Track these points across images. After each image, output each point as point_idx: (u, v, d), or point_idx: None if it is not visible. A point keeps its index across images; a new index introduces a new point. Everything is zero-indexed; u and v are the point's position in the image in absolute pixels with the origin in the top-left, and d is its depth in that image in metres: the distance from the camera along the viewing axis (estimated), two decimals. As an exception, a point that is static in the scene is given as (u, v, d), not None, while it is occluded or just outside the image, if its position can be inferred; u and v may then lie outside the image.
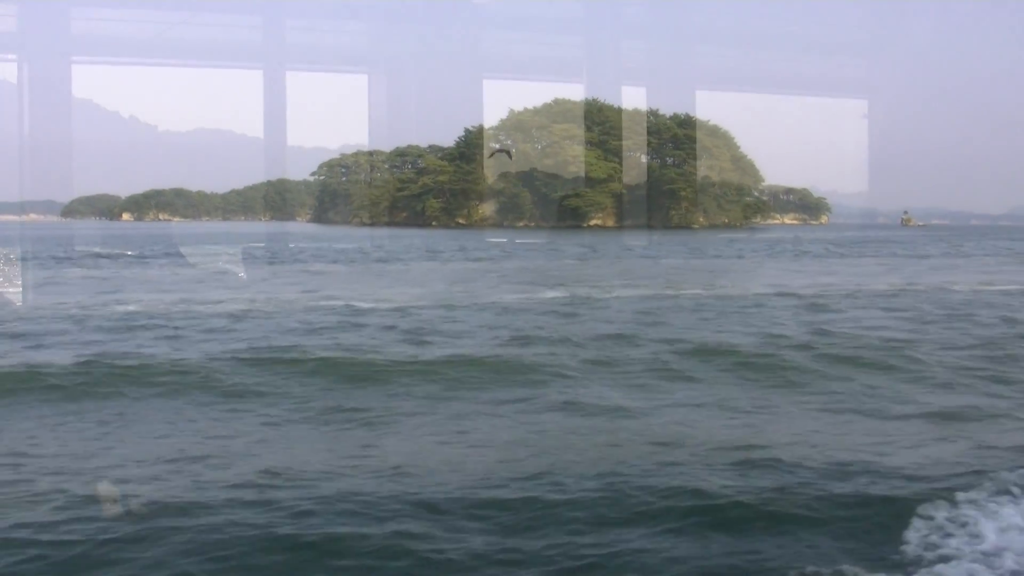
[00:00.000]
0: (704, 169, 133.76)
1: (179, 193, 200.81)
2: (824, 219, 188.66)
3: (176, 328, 20.65)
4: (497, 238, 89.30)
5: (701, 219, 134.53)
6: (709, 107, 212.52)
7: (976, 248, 73.97)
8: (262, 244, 73.09)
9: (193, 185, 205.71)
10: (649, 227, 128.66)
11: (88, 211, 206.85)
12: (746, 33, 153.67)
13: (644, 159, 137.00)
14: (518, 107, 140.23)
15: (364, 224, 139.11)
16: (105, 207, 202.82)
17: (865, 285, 33.93)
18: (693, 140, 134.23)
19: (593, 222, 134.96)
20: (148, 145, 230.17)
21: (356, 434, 11.71)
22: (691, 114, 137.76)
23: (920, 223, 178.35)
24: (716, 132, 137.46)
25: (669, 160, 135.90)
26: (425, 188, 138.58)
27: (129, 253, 57.36)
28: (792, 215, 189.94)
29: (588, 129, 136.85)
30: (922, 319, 23.09)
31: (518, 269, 45.37)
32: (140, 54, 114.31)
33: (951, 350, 17.95)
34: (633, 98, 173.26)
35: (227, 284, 34.85)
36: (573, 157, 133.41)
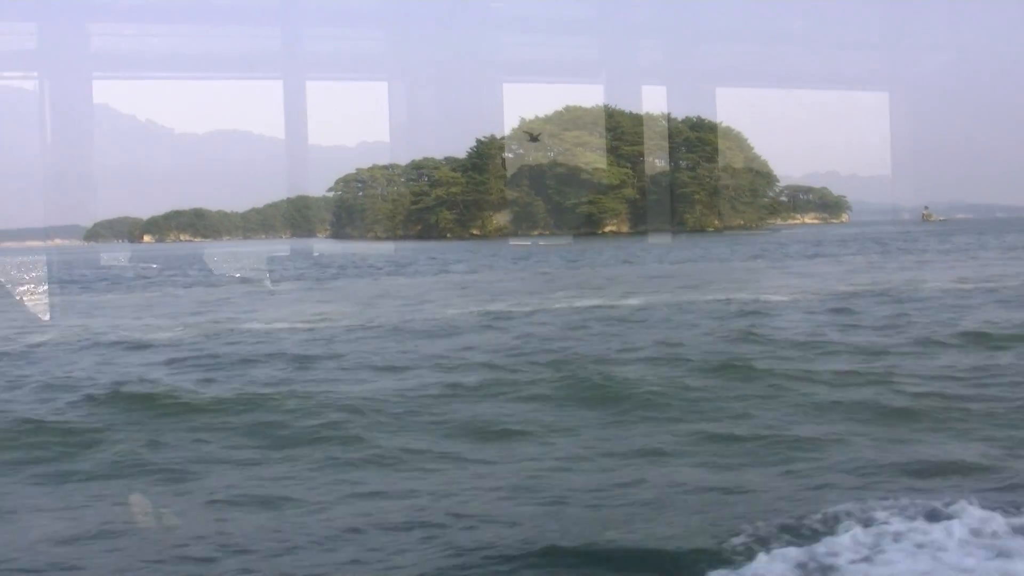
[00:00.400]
0: (717, 172, 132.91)
1: (199, 213, 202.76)
2: (844, 217, 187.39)
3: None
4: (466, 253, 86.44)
5: (716, 222, 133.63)
6: (727, 105, 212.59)
7: (972, 243, 72.49)
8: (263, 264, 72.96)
9: (213, 204, 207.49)
10: (663, 231, 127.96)
11: (110, 234, 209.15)
12: (763, 30, 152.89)
13: (657, 163, 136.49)
14: (529, 116, 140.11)
15: (379, 239, 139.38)
16: (126, 229, 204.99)
17: (825, 288, 32.95)
18: (706, 143, 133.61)
19: (608, 228, 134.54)
20: (166, 148, 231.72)
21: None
22: (704, 116, 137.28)
23: (941, 218, 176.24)
24: (729, 134, 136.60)
25: (682, 164, 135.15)
26: (438, 200, 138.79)
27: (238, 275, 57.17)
28: (812, 214, 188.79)
29: (600, 135, 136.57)
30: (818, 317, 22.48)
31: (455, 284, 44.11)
32: (160, 67, 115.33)
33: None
34: (652, 97, 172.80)
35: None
36: (586, 164, 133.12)
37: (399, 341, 21.30)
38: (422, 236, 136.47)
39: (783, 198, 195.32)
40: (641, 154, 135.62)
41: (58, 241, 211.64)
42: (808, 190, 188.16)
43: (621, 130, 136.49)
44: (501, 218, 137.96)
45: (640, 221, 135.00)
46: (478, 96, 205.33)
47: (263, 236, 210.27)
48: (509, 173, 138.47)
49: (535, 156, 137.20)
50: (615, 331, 21.99)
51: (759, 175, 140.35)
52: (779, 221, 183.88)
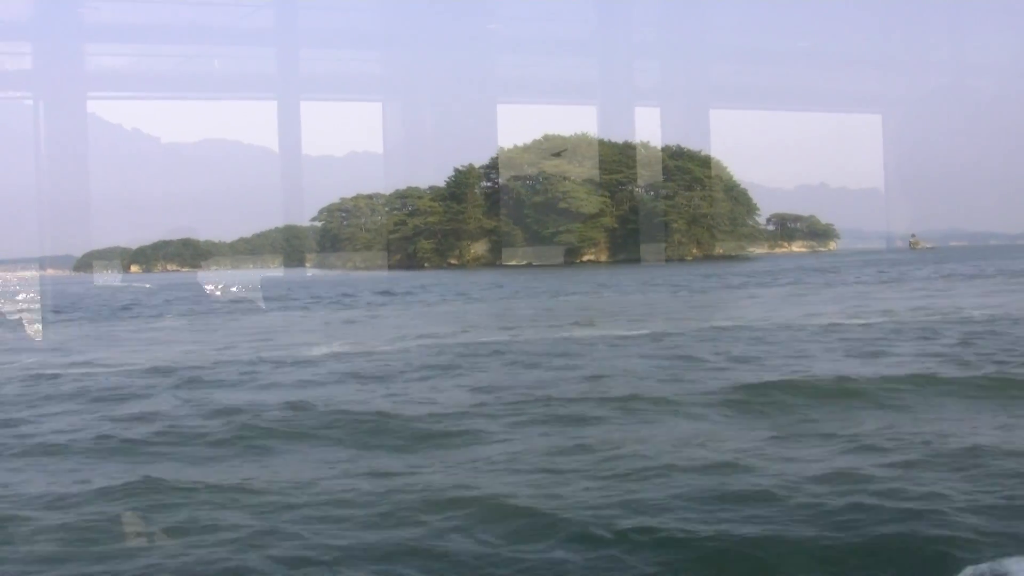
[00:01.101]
0: (696, 200, 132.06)
1: (186, 243, 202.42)
2: (832, 245, 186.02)
3: None
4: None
5: (695, 251, 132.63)
6: (716, 128, 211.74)
7: (931, 273, 71.15)
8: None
9: (201, 234, 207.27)
10: (640, 261, 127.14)
11: (100, 264, 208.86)
12: (755, 51, 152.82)
13: (637, 191, 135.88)
14: (508, 145, 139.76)
15: (357, 268, 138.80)
16: (116, 259, 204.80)
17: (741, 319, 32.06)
18: (685, 171, 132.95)
19: (587, 257, 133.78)
20: (153, 155, 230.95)
21: None
22: (688, 142, 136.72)
23: (929, 245, 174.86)
24: (708, 162, 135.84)
25: (661, 192, 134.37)
26: (416, 229, 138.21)
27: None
28: (800, 242, 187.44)
29: (579, 164, 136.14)
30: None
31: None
32: (156, 88, 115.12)
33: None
34: (637, 122, 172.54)
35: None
36: (563, 193, 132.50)
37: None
38: (401, 266, 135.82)
39: (771, 226, 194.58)
40: (620, 182, 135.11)
41: (51, 271, 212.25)
42: (796, 218, 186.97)
43: (599, 159, 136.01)
44: (479, 247, 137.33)
45: (619, 250, 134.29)
46: (469, 122, 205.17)
47: (250, 265, 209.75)
48: (487, 202, 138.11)
49: (513, 184, 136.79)
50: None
51: (739, 203, 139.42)
52: (763, 250, 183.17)
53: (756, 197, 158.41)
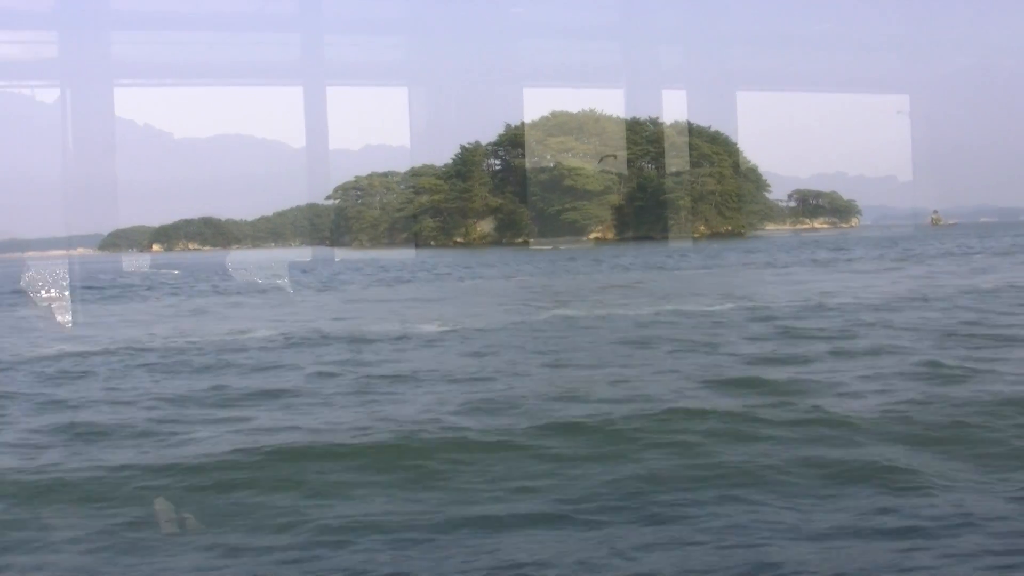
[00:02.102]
0: (703, 177, 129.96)
1: (208, 222, 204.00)
2: (855, 222, 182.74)
3: None
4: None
5: (702, 228, 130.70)
6: (735, 109, 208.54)
7: (935, 250, 69.06)
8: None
9: (222, 213, 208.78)
10: (647, 238, 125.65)
11: (124, 244, 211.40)
12: (783, 33, 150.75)
13: (645, 169, 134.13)
14: (515, 122, 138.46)
15: (363, 247, 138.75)
16: (139, 239, 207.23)
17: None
18: (693, 148, 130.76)
19: (593, 235, 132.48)
20: (170, 153, 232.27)
21: None
22: (702, 121, 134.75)
23: (951, 222, 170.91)
24: (717, 139, 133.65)
25: (671, 169, 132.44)
26: (422, 208, 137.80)
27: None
28: (822, 219, 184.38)
29: (584, 141, 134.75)
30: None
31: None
32: (167, 74, 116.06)
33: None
34: (651, 102, 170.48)
35: None
36: (569, 170, 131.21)
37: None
38: (407, 244, 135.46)
39: (792, 203, 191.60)
40: (627, 160, 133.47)
41: (81, 251, 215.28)
42: (818, 195, 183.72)
43: (607, 135, 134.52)
44: (485, 226, 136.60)
45: (626, 228, 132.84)
46: (491, 104, 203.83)
47: (272, 244, 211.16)
48: (494, 180, 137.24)
49: (519, 162, 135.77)
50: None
51: (748, 180, 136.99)
52: (785, 227, 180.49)
53: (774, 182, 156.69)
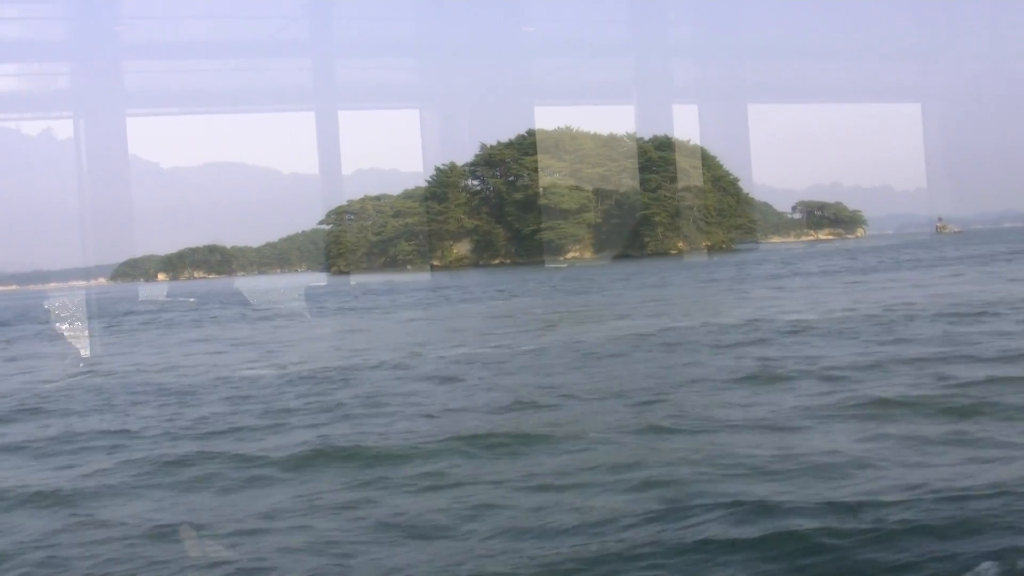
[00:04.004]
0: (681, 192, 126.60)
1: (213, 249, 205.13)
2: (860, 232, 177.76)
3: None
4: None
5: (680, 244, 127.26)
6: (762, 119, 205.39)
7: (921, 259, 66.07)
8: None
9: (227, 240, 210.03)
10: (623, 256, 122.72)
11: (136, 273, 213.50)
12: (796, 44, 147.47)
13: (622, 185, 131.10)
14: (491, 141, 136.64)
15: (341, 272, 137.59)
16: (147, 268, 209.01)
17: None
18: (670, 163, 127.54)
19: (571, 255, 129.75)
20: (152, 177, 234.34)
21: None
22: (670, 135, 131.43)
23: (957, 230, 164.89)
24: (696, 153, 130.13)
25: (649, 185, 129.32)
26: (398, 231, 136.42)
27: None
28: (827, 230, 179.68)
29: (560, 158, 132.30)
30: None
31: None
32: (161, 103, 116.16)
33: None
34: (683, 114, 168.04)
35: None
36: (543, 189, 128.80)
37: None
38: (384, 268, 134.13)
39: (796, 214, 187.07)
40: (603, 176, 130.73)
41: (101, 280, 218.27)
42: (822, 205, 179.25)
43: (583, 152, 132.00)
44: (462, 247, 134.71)
45: (604, 246, 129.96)
46: (492, 121, 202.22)
47: (278, 270, 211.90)
48: (472, 200, 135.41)
49: (495, 182, 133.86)
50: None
51: (727, 194, 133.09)
52: (787, 238, 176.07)
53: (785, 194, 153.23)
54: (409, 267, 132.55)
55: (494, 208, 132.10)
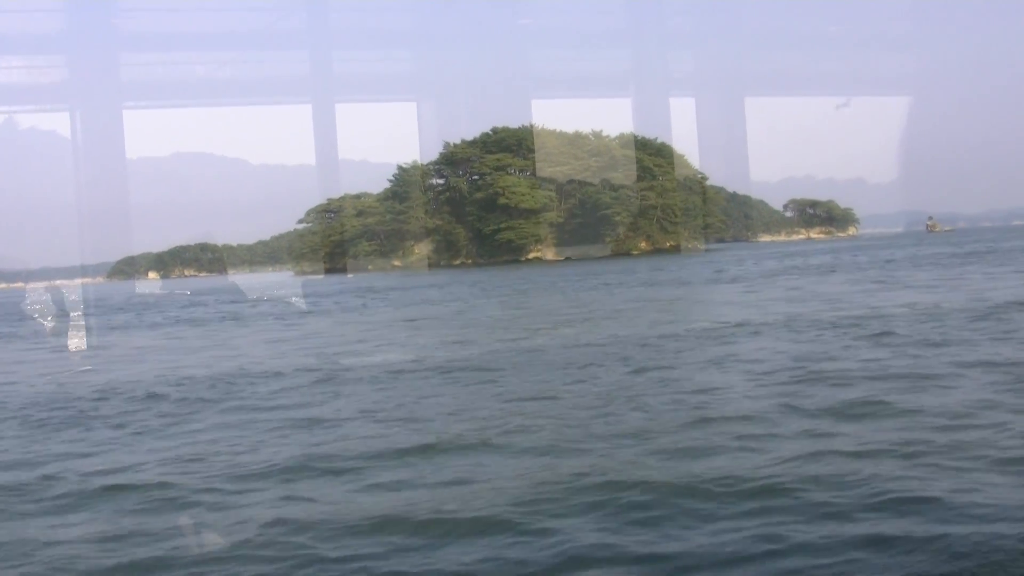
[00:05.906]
0: (644, 191, 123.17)
1: (204, 247, 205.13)
2: (852, 230, 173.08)
3: None
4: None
5: (643, 244, 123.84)
6: (754, 112, 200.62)
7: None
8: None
9: (218, 238, 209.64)
10: (584, 257, 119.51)
11: (132, 271, 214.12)
12: (785, 35, 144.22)
13: (585, 184, 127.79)
14: (455, 139, 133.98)
15: (304, 273, 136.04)
16: (140, 266, 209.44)
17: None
18: (633, 161, 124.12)
19: (533, 255, 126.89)
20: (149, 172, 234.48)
21: None
22: (637, 133, 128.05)
23: (947, 228, 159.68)
24: (662, 151, 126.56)
25: (608, 184, 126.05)
26: (358, 231, 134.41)
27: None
28: (819, 229, 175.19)
29: (523, 157, 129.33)
30: None
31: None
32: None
33: None
34: (681, 108, 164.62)
35: None
36: (504, 188, 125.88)
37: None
38: (346, 269, 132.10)
39: (788, 212, 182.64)
40: (566, 175, 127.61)
41: (100, 279, 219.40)
42: (814, 204, 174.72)
43: (546, 151, 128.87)
44: (424, 248, 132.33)
45: (567, 246, 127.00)
46: (485, 118, 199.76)
47: (270, 268, 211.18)
48: (434, 200, 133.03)
49: (457, 181, 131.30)
50: None
51: (693, 193, 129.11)
52: (777, 236, 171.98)
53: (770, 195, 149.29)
54: (370, 267, 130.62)
55: (456, 208, 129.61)
